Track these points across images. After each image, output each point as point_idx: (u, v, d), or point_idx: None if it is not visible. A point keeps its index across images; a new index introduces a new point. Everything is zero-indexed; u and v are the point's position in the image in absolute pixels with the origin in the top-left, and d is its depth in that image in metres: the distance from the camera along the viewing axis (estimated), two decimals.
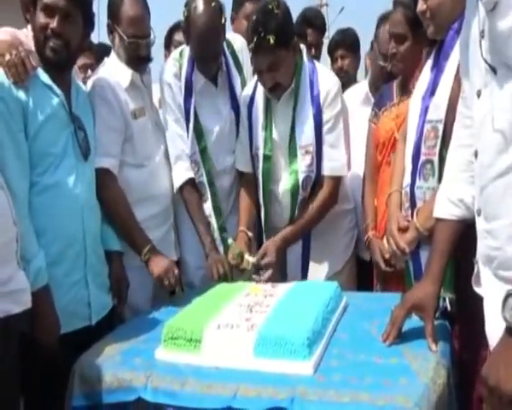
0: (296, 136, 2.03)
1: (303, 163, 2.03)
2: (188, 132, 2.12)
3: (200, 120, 2.13)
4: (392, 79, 2.17)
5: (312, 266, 2.13)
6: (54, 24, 1.65)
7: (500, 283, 1.08)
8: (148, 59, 2.08)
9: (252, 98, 2.15)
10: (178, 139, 2.14)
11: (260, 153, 2.10)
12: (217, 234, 2.14)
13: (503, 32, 1.01)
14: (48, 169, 1.65)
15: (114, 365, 1.43)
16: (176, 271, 1.88)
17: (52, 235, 1.63)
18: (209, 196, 2.15)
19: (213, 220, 2.14)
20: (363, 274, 2.28)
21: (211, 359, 1.39)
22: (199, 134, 2.13)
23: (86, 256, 1.75)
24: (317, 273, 2.12)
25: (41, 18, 1.66)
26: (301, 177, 2.03)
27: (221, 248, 2.12)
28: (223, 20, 2.04)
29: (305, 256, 2.13)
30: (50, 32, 1.66)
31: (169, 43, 2.94)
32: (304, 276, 2.13)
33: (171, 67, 2.16)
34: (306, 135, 2.02)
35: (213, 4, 1.99)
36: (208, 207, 2.15)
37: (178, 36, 2.88)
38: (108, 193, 1.90)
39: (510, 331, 0.95)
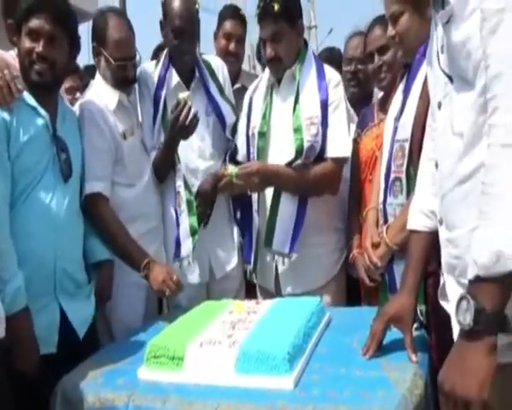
0: (300, 107, 2.05)
1: (308, 133, 2.02)
2: (155, 123, 2.16)
3: (167, 114, 2.16)
4: (357, 82, 2.31)
5: (295, 277, 2.13)
6: (39, 48, 1.68)
7: (463, 290, 1.11)
8: (135, 80, 2.13)
9: (255, 88, 2.25)
10: (150, 132, 2.18)
11: (256, 131, 2.14)
12: (184, 205, 2.13)
13: (456, 44, 1.06)
14: (25, 190, 1.65)
15: (97, 386, 1.43)
16: (174, 277, 1.83)
17: (21, 257, 1.58)
18: (178, 167, 2.14)
19: (182, 191, 2.12)
20: (352, 291, 2.29)
21: (193, 376, 1.40)
22: (166, 126, 2.14)
23: (56, 280, 1.71)
24: (300, 285, 2.12)
25: (26, 42, 1.69)
26: (306, 145, 2.02)
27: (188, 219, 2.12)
28: (197, 6, 2.16)
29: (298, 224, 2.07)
30: (36, 56, 1.68)
31: None
32: (292, 246, 2.06)
33: (148, 66, 2.26)
34: (311, 108, 2.04)
35: None
36: (178, 179, 2.14)
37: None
38: (101, 216, 1.91)
39: (464, 335, 0.96)
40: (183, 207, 2.13)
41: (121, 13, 2.09)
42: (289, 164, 2.05)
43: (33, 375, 1.55)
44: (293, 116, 2.05)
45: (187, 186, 2.14)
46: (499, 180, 0.93)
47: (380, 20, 2.04)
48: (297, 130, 2.03)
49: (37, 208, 1.67)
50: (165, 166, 2.15)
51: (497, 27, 0.95)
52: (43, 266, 1.68)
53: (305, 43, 2.17)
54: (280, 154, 2.10)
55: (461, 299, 0.96)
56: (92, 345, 1.78)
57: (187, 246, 2.12)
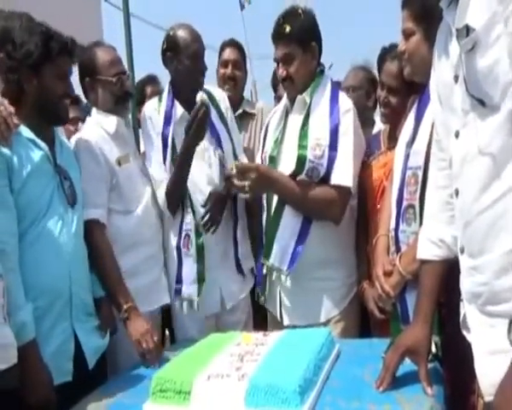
0: (309, 127, 2.02)
1: (312, 153, 1.98)
2: (165, 159, 2.17)
3: (176, 149, 2.18)
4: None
5: (295, 309, 2.10)
6: (71, 90, 1.78)
7: (488, 319, 1.08)
8: (132, 93, 2.24)
9: (273, 113, 2.28)
10: (159, 167, 2.19)
11: (267, 155, 2.15)
12: (193, 250, 2.12)
13: (482, 69, 1.06)
14: (33, 222, 1.64)
15: None
16: (155, 337, 1.83)
17: (38, 289, 1.60)
18: (189, 210, 2.15)
19: (193, 235, 2.13)
20: (362, 321, 2.23)
21: None
22: (175, 161, 2.16)
23: (71, 306, 1.72)
24: (300, 318, 2.08)
25: (59, 84, 1.73)
26: (308, 165, 1.98)
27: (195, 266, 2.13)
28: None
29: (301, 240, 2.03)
30: (68, 96, 1.77)
31: (143, 98, 2.87)
32: (291, 264, 2.02)
33: (151, 104, 2.31)
34: (320, 131, 2.01)
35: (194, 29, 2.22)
36: (189, 221, 2.14)
37: (153, 87, 2.94)
38: (95, 245, 1.90)
39: None
40: (192, 251, 2.12)
41: (101, 41, 2.17)
42: (293, 177, 2.02)
43: (47, 407, 1.51)
44: (301, 132, 2.03)
45: (198, 232, 2.12)
46: None
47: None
48: (301, 146, 2.01)
49: (49, 237, 1.67)
50: (180, 188, 2.13)
51: None
52: (60, 294, 1.69)
53: (322, 71, 2.14)
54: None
55: None
56: (100, 377, 1.75)
57: (191, 290, 2.12)
